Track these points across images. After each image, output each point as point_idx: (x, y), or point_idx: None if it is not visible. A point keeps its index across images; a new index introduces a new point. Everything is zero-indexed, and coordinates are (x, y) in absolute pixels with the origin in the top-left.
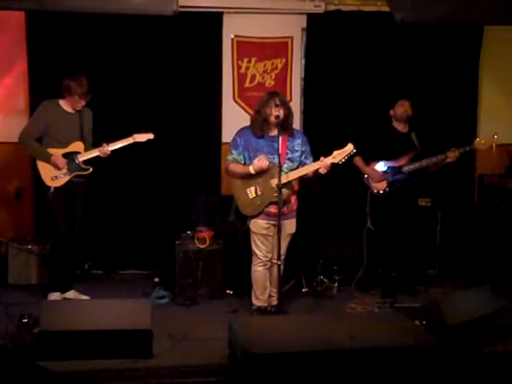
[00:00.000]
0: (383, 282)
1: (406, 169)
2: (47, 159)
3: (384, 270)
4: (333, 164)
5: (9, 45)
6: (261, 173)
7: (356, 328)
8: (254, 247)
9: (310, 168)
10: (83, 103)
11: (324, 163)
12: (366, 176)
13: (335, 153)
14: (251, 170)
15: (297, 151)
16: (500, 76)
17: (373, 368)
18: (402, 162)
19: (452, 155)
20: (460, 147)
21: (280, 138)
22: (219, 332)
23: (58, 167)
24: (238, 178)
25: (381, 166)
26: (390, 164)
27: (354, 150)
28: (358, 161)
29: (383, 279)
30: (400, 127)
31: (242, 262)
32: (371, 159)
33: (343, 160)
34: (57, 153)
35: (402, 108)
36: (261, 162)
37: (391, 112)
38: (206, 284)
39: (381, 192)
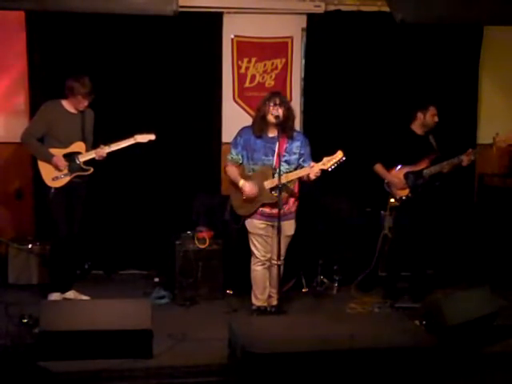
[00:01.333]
0: (387, 282)
1: (427, 172)
2: (48, 159)
3: (390, 270)
4: (322, 170)
5: (9, 45)
6: (256, 174)
7: (356, 328)
8: (252, 247)
9: (300, 173)
10: (86, 103)
11: (313, 169)
12: (386, 182)
13: (325, 159)
14: (240, 184)
15: (295, 154)
16: (500, 76)
17: (373, 368)
18: (422, 165)
19: (467, 158)
20: (475, 149)
21: (279, 140)
22: (219, 332)
23: (58, 168)
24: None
25: (402, 172)
26: (411, 169)
27: (344, 158)
28: (379, 168)
29: (387, 280)
30: (419, 130)
31: (240, 261)
32: (391, 164)
33: (332, 167)
34: (58, 153)
35: (434, 118)
36: (250, 190)
37: (419, 114)
38: (206, 284)
39: (404, 198)
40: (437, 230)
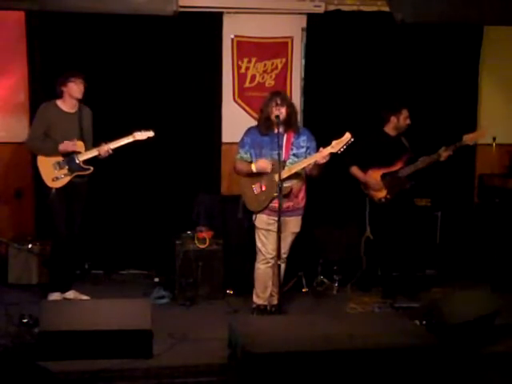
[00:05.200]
0: (384, 282)
1: (402, 172)
2: (56, 151)
3: (384, 270)
4: (331, 153)
5: (9, 45)
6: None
7: (356, 328)
8: (258, 243)
9: (310, 160)
10: (82, 87)
11: (323, 153)
12: (363, 184)
13: (334, 142)
14: (253, 168)
15: (302, 147)
16: (500, 76)
17: (373, 368)
18: (397, 166)
19: (445, 154)
20: (448, 146)
21: (285, 135)
22: (219, 332)
23: (66, 150)
24: (244, 175)
25: (378, 173)
26: (386, 170)
27: (352, 139)
28: (355, 170)
29: (384, 280)
30: (392, 132)
31: (244, 260)
32: (367, 167)
33: (341, 149)
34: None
35: (406, 120)
36: (263, 163)
37: (393, 118)
38: (206, 284)
39: (383, 200)
40: (420, 229)
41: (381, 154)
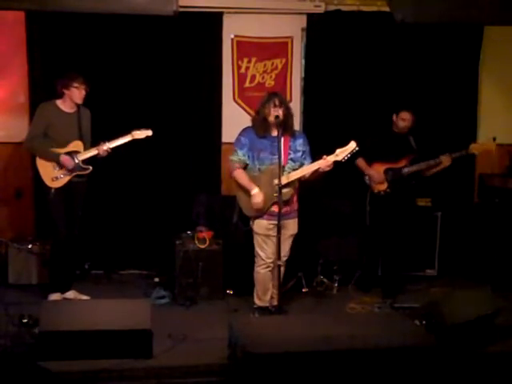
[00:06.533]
0: (384, 282)
1: (405, 171)
2: (56, 159)
3: (385, 270)
4: (335, 162)
5: (9, 45)
6: (264, 173)
7: (356, 328)
8: (257, 248)
9: (311, 167)
10: (83, 93)
11: (326, 161)
12: (366, 176)
13: (338, 151)
14: (253, 192)
15: (299, 151)
16: (500, 76)
17: (373, 368)
18: (401, 163)
19: (446, 159)
20: (452, 152)
21: (282, 139)
22: (219, 332)
23: (67, 167)
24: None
25: (382, 167)
26: (391, 166)
27: (357, 148)
28: (361, 162)
29: (384, 279)
30: (397, 130)
31: (243, 264)
32: (373, 160)
33: (346, 158)
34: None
35: (403, 122)
36: (260, 202)
37: (394, 118)
38: (206, 284)
39: (382, 193)
40: (419, 227)
41: (387, 149)
